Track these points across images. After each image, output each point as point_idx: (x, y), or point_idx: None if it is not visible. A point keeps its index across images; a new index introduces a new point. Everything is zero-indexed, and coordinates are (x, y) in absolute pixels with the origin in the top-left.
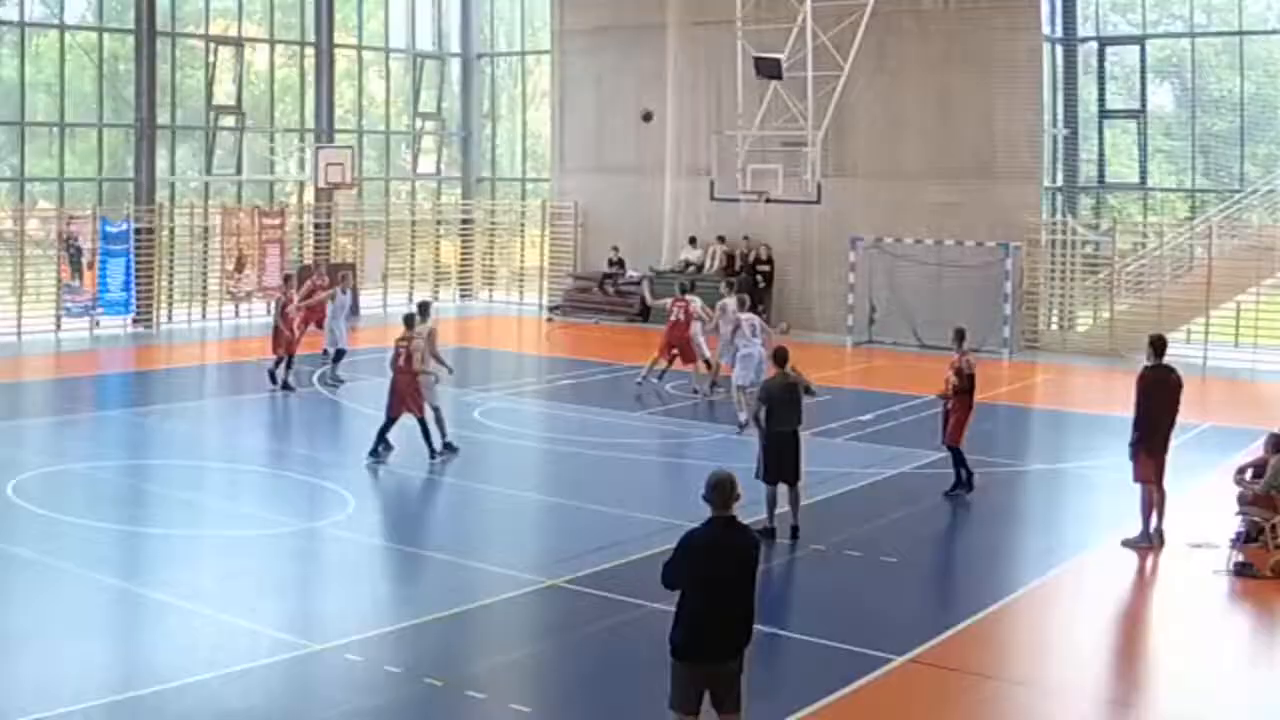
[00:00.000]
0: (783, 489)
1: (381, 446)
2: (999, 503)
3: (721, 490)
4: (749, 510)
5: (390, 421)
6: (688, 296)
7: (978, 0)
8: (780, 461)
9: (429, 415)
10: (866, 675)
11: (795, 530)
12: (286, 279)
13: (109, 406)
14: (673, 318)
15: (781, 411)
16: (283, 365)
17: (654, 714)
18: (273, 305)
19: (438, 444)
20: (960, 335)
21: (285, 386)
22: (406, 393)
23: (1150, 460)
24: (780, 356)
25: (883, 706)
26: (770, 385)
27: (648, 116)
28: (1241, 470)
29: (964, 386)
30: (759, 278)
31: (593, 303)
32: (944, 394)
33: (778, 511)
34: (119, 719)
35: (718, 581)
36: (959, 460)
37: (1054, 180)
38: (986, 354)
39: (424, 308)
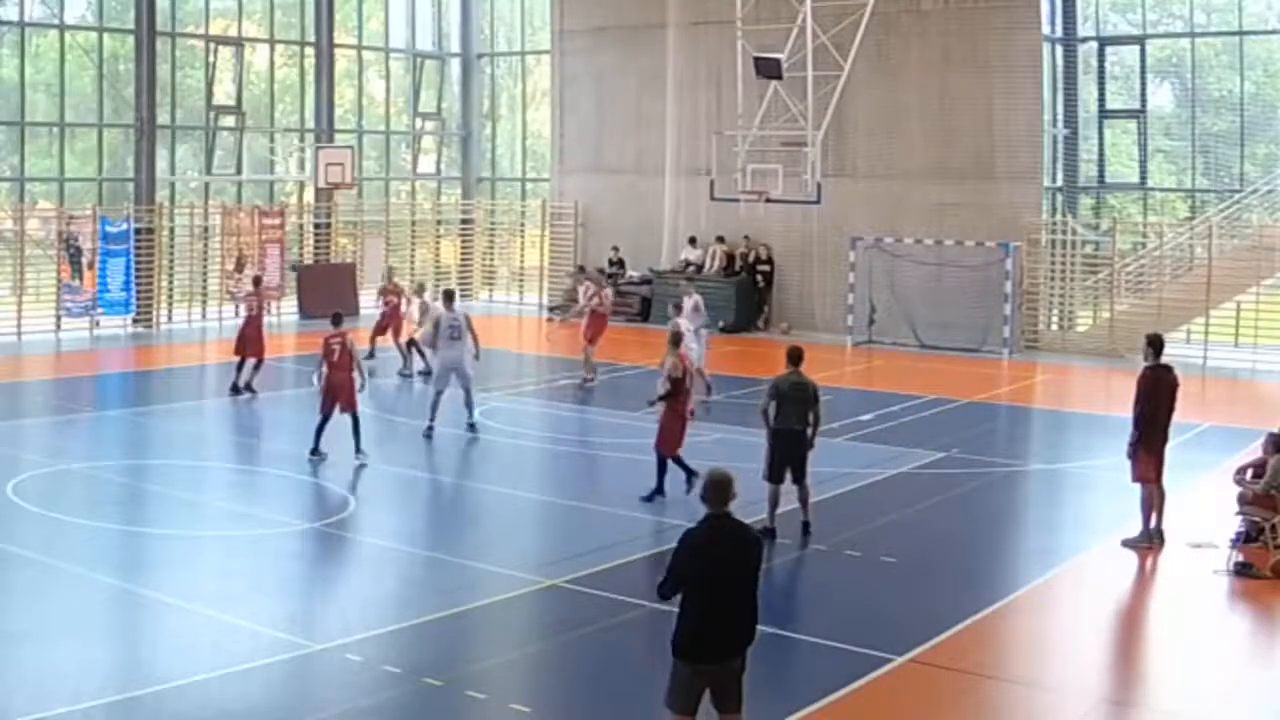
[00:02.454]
0: (789, 487)
1: (318, 446)
2: (999, 503)
3: (719, 489)
4: (753, 510)
5: (324, 419)
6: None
7: (978, 0)
8: (787, 461)
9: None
10: (866, 675)
11: (807, 526)
12: (257, 281)
13: (109, 406)
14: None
15: (789, 410)
16: (248, 368)
17: (654, 714)
18: (244, 308)
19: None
20: (676, 339)
21: (247, 389)
22: (342, 389)
23: (1150, 459)
24: (794, 356)
25: (883, 706)
26: (779, 383)
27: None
28: (1241, 470)
29: (672, 391)
30: (759, 278)
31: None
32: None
33: (787, 509)
34: (119, 719)
35: (720, 581)
36: (664, 469)
37: (1054, 180)
38: (987, 354)
39: (449, 296)
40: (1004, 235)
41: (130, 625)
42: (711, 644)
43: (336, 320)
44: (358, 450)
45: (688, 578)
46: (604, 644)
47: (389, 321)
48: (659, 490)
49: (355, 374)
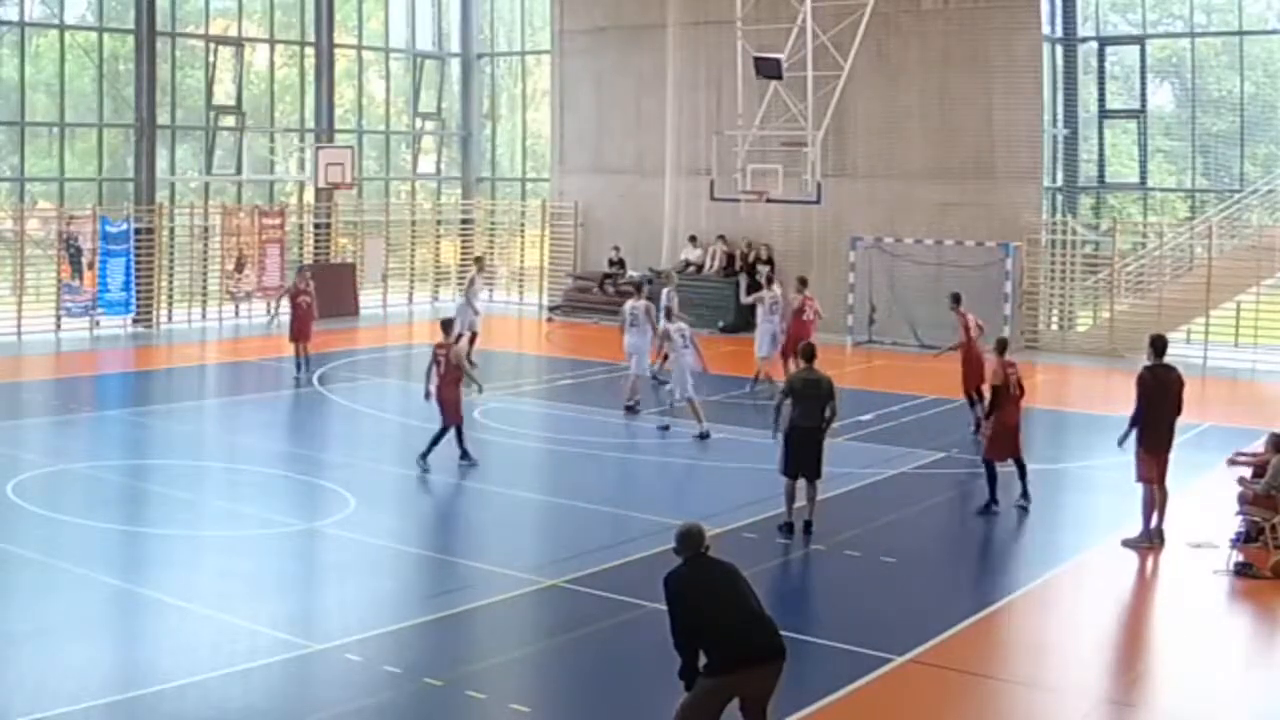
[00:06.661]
0: (802, 484)
1: (462, 455)
2: (999, 502)
3: (690, 539)
4: (753, 508)
5: (456, 429)
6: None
7: (977, 0)
8: (799, 456)
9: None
10: (866, 675)
11: (809, 526)
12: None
13: (109, 406)
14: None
15: (802, 406)
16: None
17: (654, 714)
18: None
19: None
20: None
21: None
22: (447, 399)
23: (1152, 460)
24: (808, 353)
25: (883, 706)
26: (793, 380)
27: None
28: (1238, 454)
29: (995, 401)
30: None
31: (593, 303)
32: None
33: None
34: (119, 719)
35: (717, 601)
36: (994, 478)
37: (1054, 180)
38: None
39: (638, 287)
40: (1004, 235)
41: (130, 625)
42: (743, 646)
43: (445, 327)
44: (463, 456)
45: (687, 613)
46: (604, 644)
47: (302, 324)
48: (992, 500)
49: (462, 386)
